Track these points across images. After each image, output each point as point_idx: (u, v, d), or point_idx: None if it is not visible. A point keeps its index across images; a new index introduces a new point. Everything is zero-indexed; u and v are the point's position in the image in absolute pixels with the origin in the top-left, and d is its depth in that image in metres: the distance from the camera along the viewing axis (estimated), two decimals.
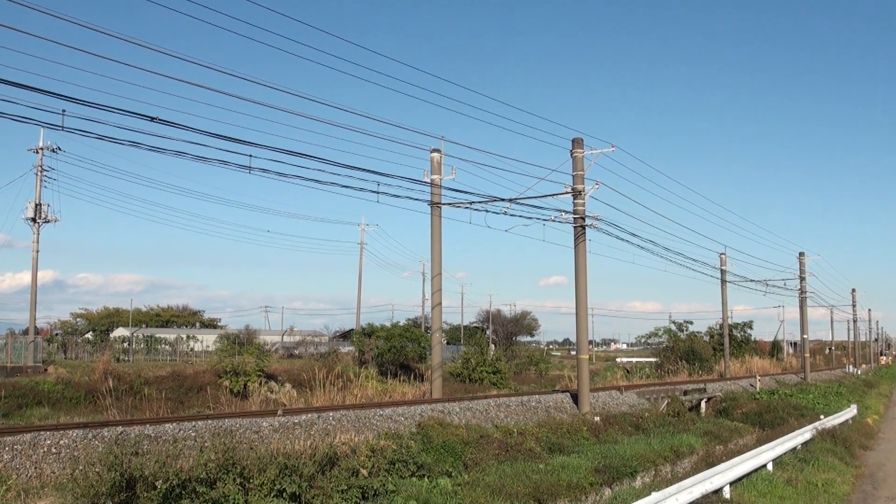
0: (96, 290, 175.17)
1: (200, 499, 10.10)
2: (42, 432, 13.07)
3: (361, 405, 20.43)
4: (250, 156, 16.32)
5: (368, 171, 19.02)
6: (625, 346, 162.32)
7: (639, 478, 16.10)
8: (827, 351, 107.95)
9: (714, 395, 35.56)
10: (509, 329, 75.08)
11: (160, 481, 9.80)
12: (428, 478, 13.63)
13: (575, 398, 25.23)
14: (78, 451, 12.61)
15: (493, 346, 62.92)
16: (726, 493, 13.25)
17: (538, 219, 23.78)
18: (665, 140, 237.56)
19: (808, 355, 54.53)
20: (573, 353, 58.03)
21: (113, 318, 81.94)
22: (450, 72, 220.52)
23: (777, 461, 16.78)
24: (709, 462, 15.84)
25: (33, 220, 38.85)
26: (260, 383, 31.26)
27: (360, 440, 14.00)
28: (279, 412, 17.35)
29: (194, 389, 31.00)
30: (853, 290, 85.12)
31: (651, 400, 29.45)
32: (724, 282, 49.19)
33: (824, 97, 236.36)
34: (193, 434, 14.21)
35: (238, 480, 10.61)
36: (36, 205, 38.84)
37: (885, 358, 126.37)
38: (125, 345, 55.81)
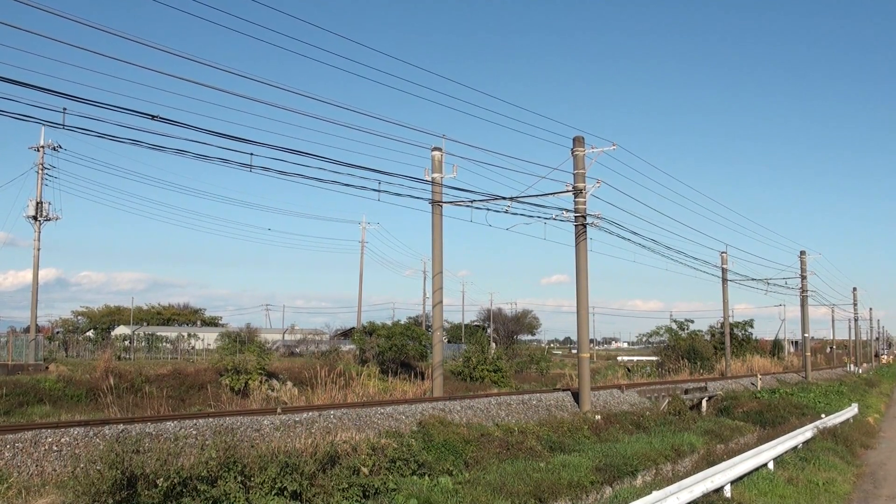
0: (98, 288, 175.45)
1: (201, 497, 10.10)
2: (43, 430, 13.08)
3: (362, 403, 20.44)
4: (251, 154, 16.36)
5: (370, 169, 19.07)
6: (626, 345, 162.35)
7: (640, 476, 16.09)
8: (828, 350, 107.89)
9: (715, 394, 35.56)
10: (510, 327, 75.15)
11: (161, 479, 9.81)
12: (429, 476, 13.64)
13: (576, 397, 25.23)
14: (79, 448, 12.62)
15: (494, 345, 62.96)
16: (727, 491, 13.24)
17: (539, 217, 23.82)
18: (666, 139, 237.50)
19: (809, 354, 54.52)
20: (574, 351, 58.01)
21: (114, 316, 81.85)
22: (451, 70, 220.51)
23: (778, 460, 16.77)
24: (710, 461, 15.82)
25: (34, 218, 38.86)
26: (261, 381, 31.29)
27: (361, 438, 14.00)
28: (278, 410, 17.35)
29: (195, 387, 31.02)
30: (854, 289, 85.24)
31: (652, 398, 29.45)
32: (725, 280, 49.18)
33: (826, 96, 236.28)
34: (194, 432, 14.21)
35: (239, 479, 10.62)
36: (37, 203, 38.85)
37: (885, 357, 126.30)
38: (126, 343, 55.81)
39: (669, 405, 28.07)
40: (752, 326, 69.17)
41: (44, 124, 14.02)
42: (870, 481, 16.53)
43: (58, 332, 66.80)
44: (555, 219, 24.02)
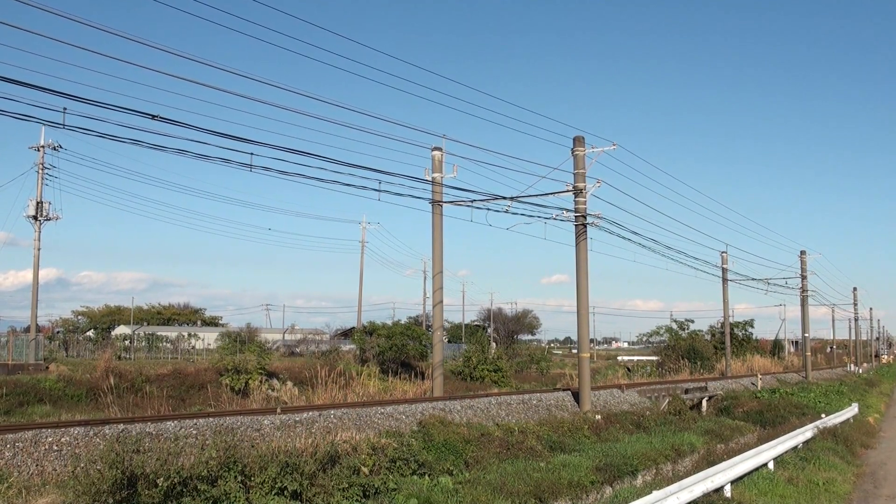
0: (99, 287, 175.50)
1: (201, 496, 10.11)
2: (43, 430, 13.08)
3: (363, 403, 20.44)
4: (252, 154, 16.35)
5: (370, 169, 19.07)
6: (626, 345, 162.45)
7: (640, 476, 16.10)
8: (828, 349, 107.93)
9: (715, 394, 35.55)
10: (510, 327, 75.09)
11: (161, 479, 9.81)
12: (429, 476, 13.64)
13: (576, 396, 25.23)
14: (79, 448, 12.62)
15: (494, 345, 62.96)
16: (727, 491, 13.24)
17: (540, 217, 23.81)
18: (666, 138, 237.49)
19: (809, 354, 54.51)
20: (574, 351, 58.03)
21: (114, 315, 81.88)
22: (451, 70, 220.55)
23: (778, 460, 16.77)
24: (710, 461, 15.82)
25: (35, 217, 38.85)
26: (261, 381, 31.28)
27: (362, 438, 14.00)
28: (278, 410, 17.36)
29: (195, 387, 31.01)
30: (854, 289, 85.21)
31: (652, 398, 29.44)
32: (725, 280, 49.16)
33: (826, 96, 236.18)
34: (195, 432, 14.22)
35: (239, 478, 10.62)
36: (37, 203, 38.83)
37: (885, 357, 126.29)
38: (126, 343, 55.85)
39: (669, 405, 28.06)
40: (752, 326, 69.30)
41: (44, 124, 14.03)
42: (870, 481, 16.53)
43: (58, 332, 66.79)
44: (555, 218, 24.02)
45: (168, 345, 58.43)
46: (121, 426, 13.91)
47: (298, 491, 10.96)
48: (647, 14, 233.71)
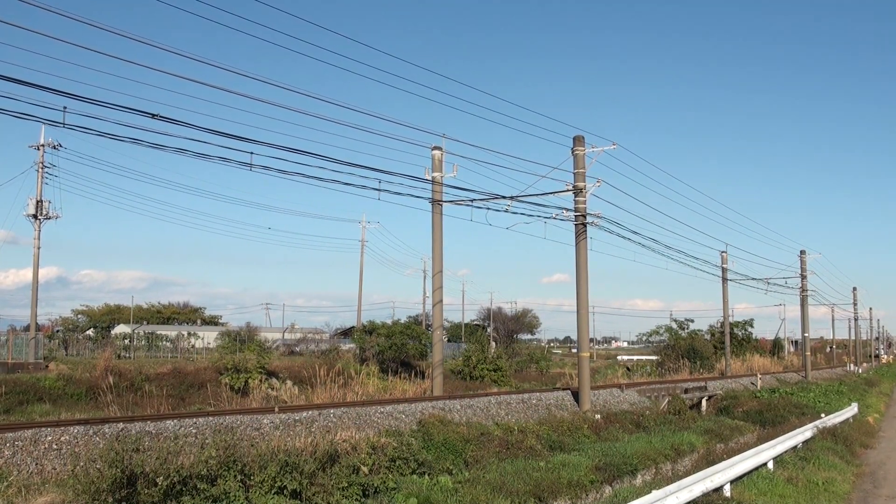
0: (99, 286, 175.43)
1: (201, 496, 10.11)
2: (43, 429, 13.08)
3: (362, 402, 20.44)
4: (251, 153, 16.36)
5: (370, 168, 19.12)
6: (626, 345, 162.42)
7: (639, 476, 16.10)
8: (828, 349, 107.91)
9: (715, 394, 35.56)
10: (510, 327, 75.04)
11: (161, 478, 9.81)
12: (429, 475, 13.63)
13: (576, 396, 25.23)
14: (79, 447, 12.63)
15: (494, 344, 62.94)
16: (727, 491, 13.23)
17: (540, 216, 23.82)
18: (666, 138, 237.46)
19: (809, 354, 54.52)
20: (574, 350, 58.00)
21: (114, 314, 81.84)
22: (451, 70, 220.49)
23: (778, 459, 16.77)
24: (709, 460, 15.82)
25: (35, 216, 38.84)
26: (261, 380, 31.27)
27: (361, 437, 14.00)
28: (276, 409, 17.37)
29: (195, 386, 31.03)
30: (854, 289, 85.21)
31: (652, 398, 29.45)
32: (725, 280, 49.18)
33: (826, 95, 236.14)
34: (194, 431, 14.22)
35: (239, 477, 10.63)
36: (37, 201, 38.82)
37: (885, 357, 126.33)
38: (126, 342, 55.81)
39: (669, 404, 28.07)
40: (752, 326, 69.31)
41: (44, 123, 14.03)
42: (869, 481, 16.53)
43: (58, 331, 66.78)
44: (555, 218, 24.03)
45: (168, 344, 58.36)
46: (120, 425, 13.92)
47: (298, 490, 10.96)
48: (647, 14, 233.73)
